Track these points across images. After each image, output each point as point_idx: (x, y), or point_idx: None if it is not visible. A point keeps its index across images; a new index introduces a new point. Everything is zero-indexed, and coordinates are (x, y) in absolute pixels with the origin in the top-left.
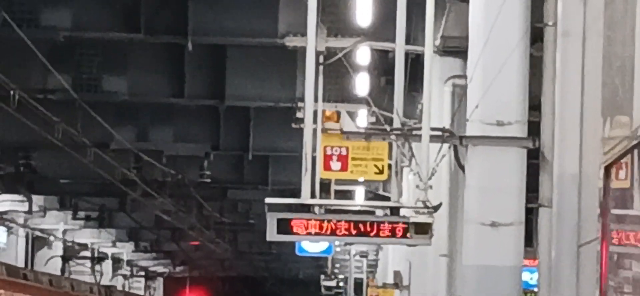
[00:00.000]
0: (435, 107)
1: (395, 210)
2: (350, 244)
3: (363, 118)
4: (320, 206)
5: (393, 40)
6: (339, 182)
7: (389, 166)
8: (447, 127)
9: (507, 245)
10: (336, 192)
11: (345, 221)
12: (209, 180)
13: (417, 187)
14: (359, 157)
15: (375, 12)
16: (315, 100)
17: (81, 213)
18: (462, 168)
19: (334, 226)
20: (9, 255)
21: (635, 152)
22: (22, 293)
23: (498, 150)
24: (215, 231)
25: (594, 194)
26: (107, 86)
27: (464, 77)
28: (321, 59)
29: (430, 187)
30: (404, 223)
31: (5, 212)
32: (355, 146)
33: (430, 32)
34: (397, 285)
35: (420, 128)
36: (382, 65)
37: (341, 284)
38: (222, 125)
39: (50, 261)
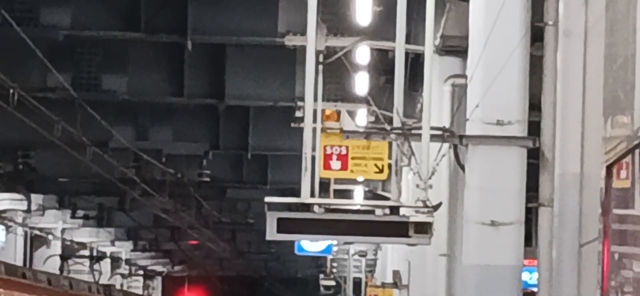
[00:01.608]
0: (435, 107)
1: (394, 210)
2: (350, 243)
3: (363, 117)
4: (319, 205)
5: (393, 39)
6: (338, 181)
7: (389, 165)
8: (447, 126)
9: (507, 245)
10: (335, 191)
11: (345, 220)
12: (208, 179)
13: (417, 186)
14: (359, 156)
15: (375, 11)
16: (315, 99)
17: (80, 212)
18: (462, 167)
19: (333, 226)
20: (7, 253)
21: (637, 151)
22: (21, 292)
23: (498, 150)
24: (214, 231)
25: (595, 194)
26: (106, 85)
27: (464, 76)
28: (321, 58)
29: (430, 186)
30: (403, 222)
31: (4, 211)
32: (355, 145)
33: (431, 31)
34: (396, 284)
35: (420, 128)
36: (382, 64)
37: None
38: (221, 124)
39: (48, 260)
